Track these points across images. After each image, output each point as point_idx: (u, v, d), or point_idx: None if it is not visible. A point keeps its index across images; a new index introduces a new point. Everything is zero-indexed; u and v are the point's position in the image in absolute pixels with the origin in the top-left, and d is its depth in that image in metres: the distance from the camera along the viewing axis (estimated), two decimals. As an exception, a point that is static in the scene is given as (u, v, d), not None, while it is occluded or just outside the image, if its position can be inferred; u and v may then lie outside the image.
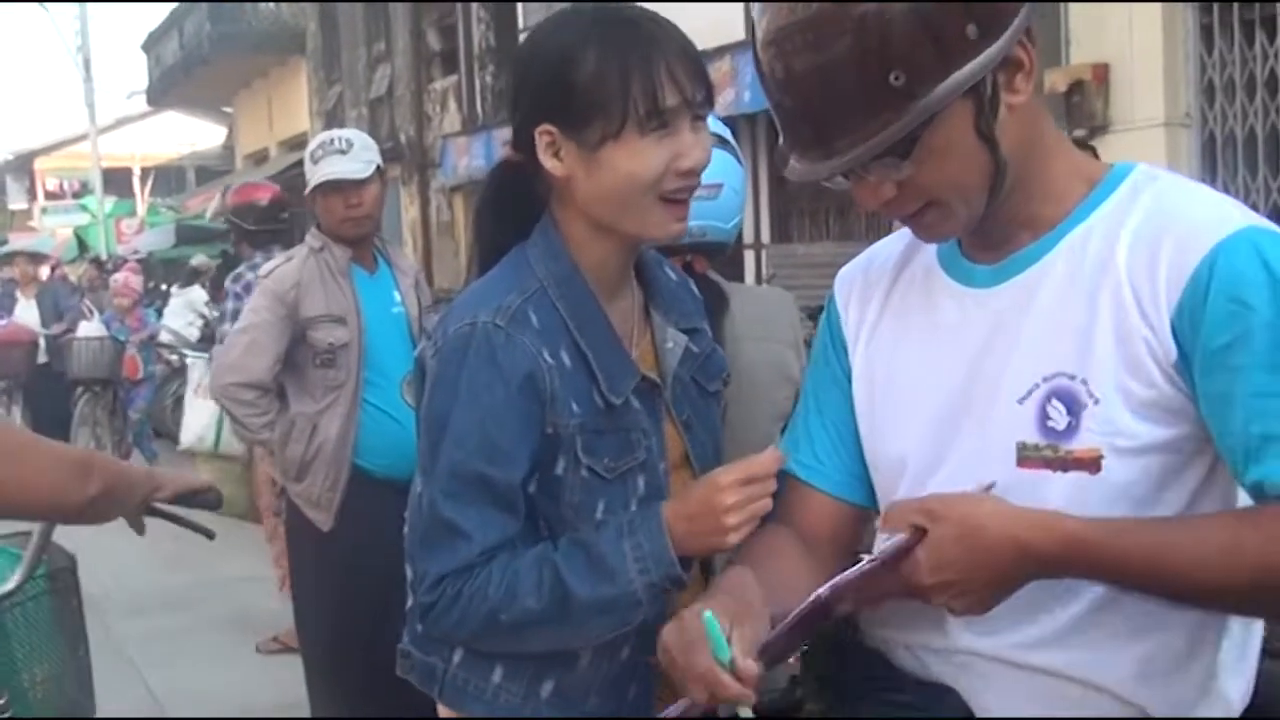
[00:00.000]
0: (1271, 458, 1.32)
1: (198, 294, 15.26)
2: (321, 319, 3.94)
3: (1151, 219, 1.40)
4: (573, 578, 1.61)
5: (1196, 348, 1.35)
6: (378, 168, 4.05)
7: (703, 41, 1.71)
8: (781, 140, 1.47)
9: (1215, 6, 7.90)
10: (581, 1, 1.75)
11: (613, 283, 1.72)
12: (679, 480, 1.75)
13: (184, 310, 14.34)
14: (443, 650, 1.77)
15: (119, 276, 11.43)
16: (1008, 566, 1.36)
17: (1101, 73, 8.19)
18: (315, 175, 3.97)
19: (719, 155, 2.33)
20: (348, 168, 3.95)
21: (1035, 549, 1.35)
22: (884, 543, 1.44)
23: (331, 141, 4.04)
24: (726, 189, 2.43)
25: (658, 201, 1.63)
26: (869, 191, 1.44)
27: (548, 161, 1.68)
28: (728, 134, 2.47)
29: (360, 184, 3.97)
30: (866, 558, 1.43)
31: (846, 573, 1.42)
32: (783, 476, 1.67)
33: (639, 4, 1.71)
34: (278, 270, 4.03)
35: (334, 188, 3.94)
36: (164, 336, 12.59)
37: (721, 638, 1.34)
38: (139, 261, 25.61)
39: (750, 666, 1.34)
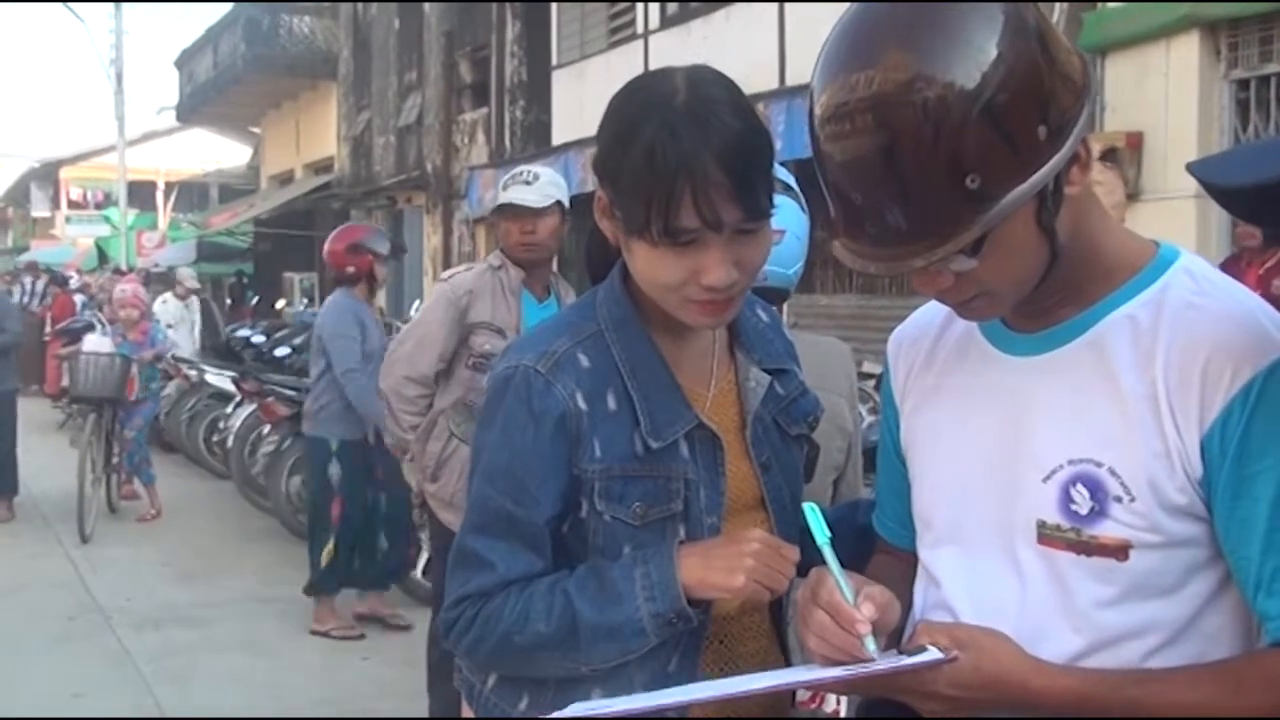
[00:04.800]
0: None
1: (157, 304, 15.35)
2: (483, 326, 4.30)
3: (1191, 331, 1.39)
4: (582, 602, 1.62)
5: (1224, 471, 1.36)
6: (558, 202, 4.38)
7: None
8: (834, 219, 1.43)
9: (1252, 81, 7.95)
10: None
11: (684, 324, 1.73)
12: (752, 523, 1.74)
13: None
14: (480, 672, 1.80)
15: (126, 288, 10.46)
16: (1006, 702, 1.42)
17: (1136, 141, 8.23)
18: (499, 199, 4.37)
19: (782, 202, 2.34)
20: (527, 197, 4.31)
21: (1038, 698, 1.41)
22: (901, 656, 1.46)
23: (521, 173, 4.41)
24: (789, 235, 2.44)
25: (685, 301, 1.61)
26: (928, 280, 1.41)
27: (602, 222, 1.70)
28: (791, 180, 2.48)
29: (536, 213, 4.31)
30: (895, 654, 1.45)
31: (885, 665, 1.44)
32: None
33: (708, 76, 1.62)
34: (456, 277, 4.41)
35: (513, 213, 4.31)
36: (177, 351, 12.59)
37: (828, 540, 1.49)
38: (158, 275, 25.77)
39: (867, 606, 1.45)
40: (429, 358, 4.33)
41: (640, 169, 1.55)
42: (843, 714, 2.57)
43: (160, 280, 24.86)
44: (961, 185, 1.30)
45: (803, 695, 2.43)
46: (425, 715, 4.85)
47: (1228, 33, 8.04)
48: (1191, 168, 1.27)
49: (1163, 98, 8.18)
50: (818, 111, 1.37)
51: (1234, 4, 7.83)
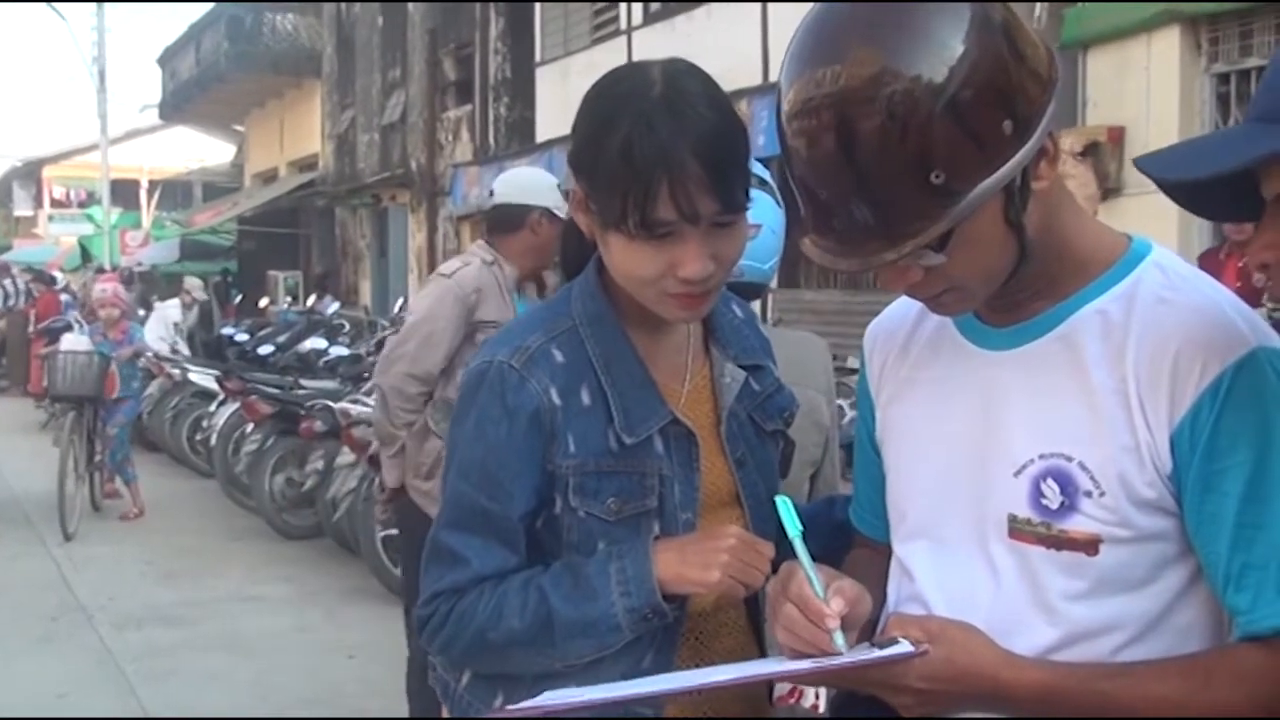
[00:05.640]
0: (1249, 587, 1.35)
1: (171, 309, 15.37)
2: (489, 325, 4.16)
3: (1161, 326, 1.39)
4: (556, 598, 1.63)
5: (1193, 466, 1.37)
6: None
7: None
8: (802, 216, 1.43)
9: (1233, 75, 7.98)
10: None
11: (659, 319, 1.73)
12: (727, 519, 1.75)
13: (159, 324, 14.43)
14: (454, 670, 1.81)
15: (105, 286, 10.36)
16: (978, 695, 1.42)
17: (1117, 135, 8.25)
18: (559, 205, 4.27)
19: (758, 196, 2.34)
20: None
21: (1009, 690, 1.42)
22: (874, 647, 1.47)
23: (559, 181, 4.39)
24: (765, 230, 2.44)
25: (662, 295, 1.62)
26: (896, 276, 1.41)
27: (577, 215, 1.71)
28: (767, 175, 2.48)
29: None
30: (867, 646, 1.46)
31: (855, 658, 1.44)
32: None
33: (683, 69, 1.62)
34: (460, 273, 4.23)
35: (555, 219, 4.28)
36: (156, 348, 12.59)
37: (804, 547, 1.47)
38: (141, 274, 25.72)
39: (836, 600, 1.45)
40: (435, 356, 4.22)
41: (617, 162, 1.55)
42: (822, 709, 2.57)
43: (144, 280, 24.84)
44: (926, 181, 1.30)
45: (781, 690, 2.43)
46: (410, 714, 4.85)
47: (1208, 27, 8.07)
48: (1139, 163, 1.27)
49: (1144, 92, 8.20)
50: (785, 108, 1.37)
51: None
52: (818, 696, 2.57)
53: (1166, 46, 8.14)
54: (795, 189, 1.41)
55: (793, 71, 1.37)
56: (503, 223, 4.30)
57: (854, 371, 7.50)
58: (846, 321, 10.38)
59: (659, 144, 1.53)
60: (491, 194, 4.27)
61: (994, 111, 1.31)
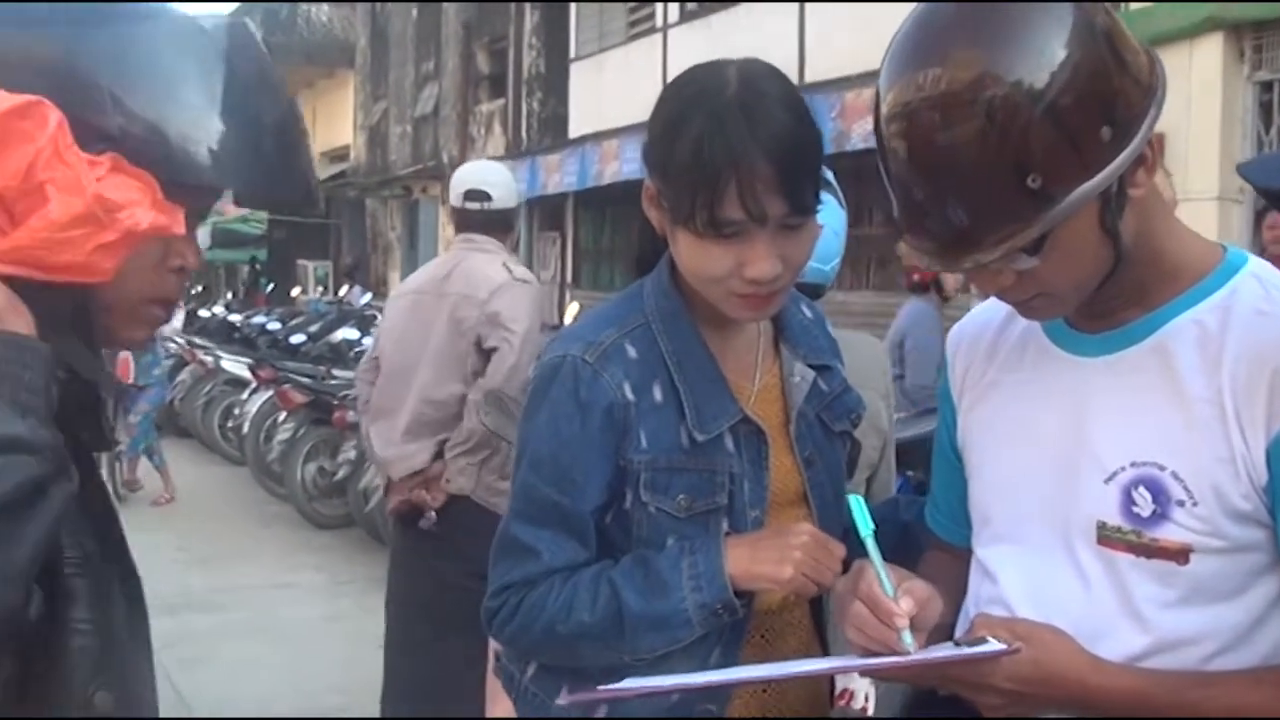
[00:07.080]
0: None
1: None
2: (547, 326, 4.34)
3: (1259, 339, 1.39)
4: (628, 592, 1.63)
5: None
6: None
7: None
8: (897, 215, 1.44)
9: (1275, 84, 7.93)
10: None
11: (729, 317, 1.74)
12: (794, 517, 1.75)
13: None
14: (520, 661, 1.82)
15: None
16: (1065, 699, 1.42)
17: (1158, 143, 8.14)
18: (519, 202, 4.47)
19: (821, 198, 2.35)
20: None
21: (1097, 695, 1.42)
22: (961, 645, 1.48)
23: None
24: (827, 231, 2.41)
25: (728, 294, 1.63)
26: (988, 279, 1.42)
27: (650, 211, 1.72)
28: (829, 176, 2.48)
29: None
30: (956, 645, 1.47)
31: (941, 655, 1.46)
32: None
33: (760, 70, 1.63)
34: (532, 278, 4.26)
35: None
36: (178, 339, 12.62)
37: (871, 531, 1.50)
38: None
39: (905, 600, 1.47)
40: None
41: (686, 159, 1.57)
42: (870, 712, 2.57)
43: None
44: (1023, 184, 1.31)
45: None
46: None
47: (1252, 35, 8.02)
48: (1243, 169, 1.27)
49: (1186, 100, 8.15)
50: (884, 109, 1.38)
51: (1258, 6, 7.81)
52: (867, 699, 2.58)
53: (1209, 53, 8.10)
54: (890, 188, 1.42)
55: (893, 73, 1.37)
56: (504, 223, 4.45)
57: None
58: (877, 324, 10.35)
59: (728, 143, 1.54)
60: (488, 196, 4.36)
61: (1093, 117, 1.31)
